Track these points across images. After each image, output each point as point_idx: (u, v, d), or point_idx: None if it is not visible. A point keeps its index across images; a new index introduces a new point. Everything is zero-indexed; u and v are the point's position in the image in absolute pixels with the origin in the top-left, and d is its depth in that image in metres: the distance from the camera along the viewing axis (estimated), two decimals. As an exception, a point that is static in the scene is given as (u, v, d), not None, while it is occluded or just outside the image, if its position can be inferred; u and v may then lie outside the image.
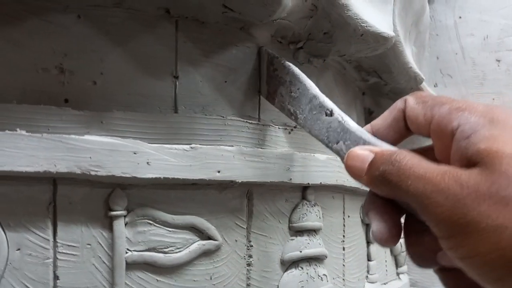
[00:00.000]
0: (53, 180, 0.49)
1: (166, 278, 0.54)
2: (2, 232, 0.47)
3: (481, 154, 0.32)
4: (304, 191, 0.67)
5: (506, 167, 0.31)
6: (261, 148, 0.63)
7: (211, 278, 0.57)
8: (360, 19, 0.66)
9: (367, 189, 0.71)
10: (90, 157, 0.49)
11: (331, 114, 0.52)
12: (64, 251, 0.49)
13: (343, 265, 0.76)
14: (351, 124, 0.48)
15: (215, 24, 0.63)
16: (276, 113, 0.71)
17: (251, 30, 0.66)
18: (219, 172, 0.55)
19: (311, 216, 0.67)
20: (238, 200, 0.60)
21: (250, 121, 0.64)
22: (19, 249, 0.48)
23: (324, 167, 0.67)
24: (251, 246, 0.61)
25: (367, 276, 0.83)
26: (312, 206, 0.67)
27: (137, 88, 0.58)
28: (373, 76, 0.94)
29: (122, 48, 0.58)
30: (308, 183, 0.64)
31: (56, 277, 0.49)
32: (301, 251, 0.65)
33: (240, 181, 0.57)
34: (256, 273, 0.61)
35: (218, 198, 0.58)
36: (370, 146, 0.42)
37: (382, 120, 0.43)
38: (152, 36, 0.60)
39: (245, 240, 0.60)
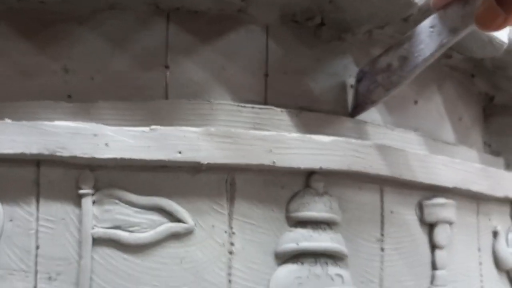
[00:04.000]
0: (37, 162, 0.57)
1: (133, 256, 0.55)
2: (0, 205, 0.57)
3: None
4: (308, 178, 0.60)
5: None
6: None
7: (181, 262, 0.56)
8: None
9: (422, 180, 0.65)
10: (57, 140, 0.55)
11: None
12: (44, 224, 0.56)
13: (381, 268, 0.64)
14: None
15: (208, 11, 0.64)
16: (291, 97, 0.67)
17: (250, 11, 0.65)
18: (180, 153, 0.55)
19: (316, 206, 0.59)
20: (215, 184, 0.58)
21: (243, 105, 0.62)
22: (11, 220, 0.56)
23: (328, 149, 0.59)
24: (233, 233, 0.58)
25: (429, 288, 0.68)
26: (319, 196, 0.60)
27: (130, 81, 0.63)
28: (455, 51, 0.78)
29: (118, 46, 0.63)
30: (300, 167, 0.58)
31: (37, 247, 0.56)
32: (298, 244, 0.58)
33: (206, 163, 0.55)
34: (240, 262, 0.57)
35: (191, 181, 0.57)
36: None
37: None
38: (144, 31, 0.64)
39: (226, 226, 0.58)
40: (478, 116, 0.94)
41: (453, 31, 0.54)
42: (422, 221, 0.68)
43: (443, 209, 0.68)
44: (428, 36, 0.56)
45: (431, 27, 0.56)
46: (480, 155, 0.85)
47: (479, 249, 0.76)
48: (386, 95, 0.63)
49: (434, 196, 0.69)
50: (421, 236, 0.68)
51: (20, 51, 0.64)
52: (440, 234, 0.69)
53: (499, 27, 0.48)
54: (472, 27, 0.52)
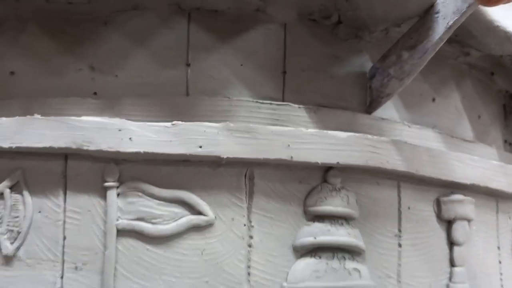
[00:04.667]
0: (65, 156, 0.59)
1: (156, 248, 0.57)
2: (29, 197, 0.59)
3: None
4: (325, 173, 0.61)
5: None
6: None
7: (202, 253, 0.57)
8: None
9: (439, 176, 0.65)
10: (83, 134, 0.57)
11: None
12: (71, 215, 0.58)
13: (399, 264, 0.65)
14: None
15: (228, 11, 0.66)
16: (308, 94, 0.68)
17: (268, 10, 0.66)
18: (200, 147, 0.57)
19: (333, 201, 0.60)
20: (234, 178, 0.59)
21: (262, 101, 0.63)
22: (40, 212, 0.59)
23: (345, 145, 0.60)
24: (252, 226, 0.59)
25: (447, 285, 0.68)
26: (336, 190, 0.61)
27: (152, 78, 0.65)
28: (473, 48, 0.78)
29: (141, 44, 0.66)
30: (317, 162, 0.59)
31: (64, 237, 0.58)
32: (315, 238, 0.59)
33: (225, 157, 0.57)
34: (259, 255, 0.59)
35: (211, 175, 0.59)
36: None
37: None
38: (166, 30, 0.66)
39: (245, 219, 0.59)
40: (498, 114, 0.93)
41: (457, 12, 0.55)
42: (440, 217, 0.69)
43: (461, 205, 0.68)
44: (434, 22, 0.57)
45: (436, 13, 0.58)
46: (499, 153, 0.85)
47: (498, 247, 0.75)
48: (401, 86, 0.64)
49: (452, 192, 0.69)
50: (439, 233, 0.69)
51: (48, 50, 0.66)
52: (458, 230, 0.69)
53: (499, 1, 0.49)
54: (475, 6, 0.54)
